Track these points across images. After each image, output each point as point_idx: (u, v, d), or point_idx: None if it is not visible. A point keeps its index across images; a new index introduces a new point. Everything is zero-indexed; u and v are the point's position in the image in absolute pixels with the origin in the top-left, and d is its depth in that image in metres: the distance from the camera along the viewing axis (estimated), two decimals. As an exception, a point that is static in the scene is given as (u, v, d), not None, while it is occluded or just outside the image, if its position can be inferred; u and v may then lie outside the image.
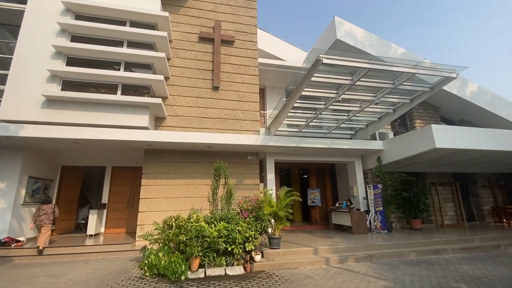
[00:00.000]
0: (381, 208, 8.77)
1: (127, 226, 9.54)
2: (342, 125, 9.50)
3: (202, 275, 5.13)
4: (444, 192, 10.88)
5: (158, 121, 8.65)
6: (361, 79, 6.22)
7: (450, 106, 11.53)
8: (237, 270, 5.32)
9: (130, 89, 8.07)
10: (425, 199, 9.78)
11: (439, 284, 4.52)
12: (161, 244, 5.81)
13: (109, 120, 7.46)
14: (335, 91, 6.96)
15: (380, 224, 8.73)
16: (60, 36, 7.84)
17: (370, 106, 7.80)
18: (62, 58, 7.73)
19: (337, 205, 10.24)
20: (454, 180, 11.27)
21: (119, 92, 7.81)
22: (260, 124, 10.38)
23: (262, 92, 11.86)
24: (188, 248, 5.26)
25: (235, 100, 9.38)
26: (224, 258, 5.45)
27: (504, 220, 10.74)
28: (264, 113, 10.74)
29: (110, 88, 7.92)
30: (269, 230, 6.51)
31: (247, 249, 5.60)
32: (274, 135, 8.71)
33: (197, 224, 5.49)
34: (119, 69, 8.05)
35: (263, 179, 9.74)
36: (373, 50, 10.34)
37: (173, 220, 5.93)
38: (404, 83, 6.64)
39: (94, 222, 8.50)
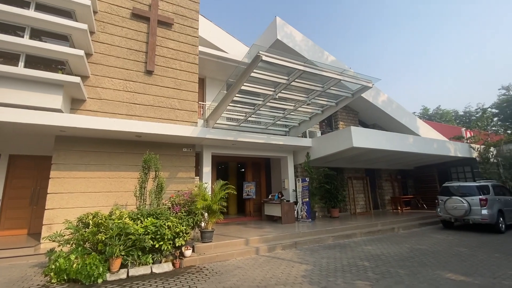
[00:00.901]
0: (307, 199, 9.66)
1: (30, 227, 7.97)
2: (278, 122, 10.00)
3: (124, 276, 4.70)
4: (358, 185, 12.70)
5: (75, 104, 7.44)
6: (296, 80, 6.63)
7: (366, 112, 13.43)
8: (165, 267, 5.07)
9: (40, 62, 6.69)
10: (342, 191, 11.21)
11: (348, 263, 5.26)
12: (74, 245, 5.07)
13: (10, 97, 6.04)
14: (273, 89, 7.25)
15: (305, 213, 9.62)
16: None
17: (302, 106, 8.40)
18: None
19: (270, 197, 10.80)
20: (365, 174, 13.25)
21: (21, 64, 6.38)
22: (199, 115, 10.05)
23: (202, 82, 11.47)
24: (108, 248, 4.73)
25: (171, 87, 8.80)
26: (151, 256, 5.10)
27: (399, 208, 13.23)
28: (203, 104, 10.42)
29: (11, 59, 6.40)
30: (203, 224, 6.42)
31: (177, 245, 5.38)
32: (212, 128, 8.56)
33: (119, 221, 4.97)
34: (23, 36, 6.56)
35: (199, 172, 9.51)
36: (308, 55, 11.13)
37: (91, 217, 5.24)
38: (331, 88, 7.38)
39: (-21, 223, 6.82)
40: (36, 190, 8.18)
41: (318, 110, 9.09)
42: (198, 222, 6.05)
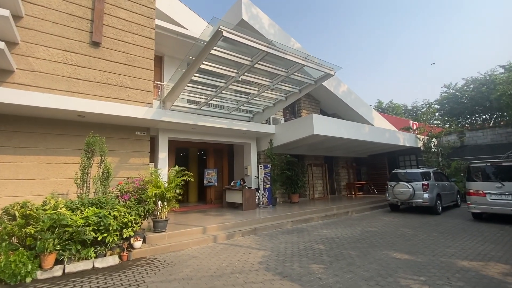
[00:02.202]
0: (269, 185, 9.68)
1: None
2: (242, 107, 9.70)
3: (59, 273, 4.12)
4: (317, 172, 13.17)
5: (0, 75, 6.21)
6: (260, 62, 6.35)
7: (327, 101, 13.80)
8: (110, 260, 4.58)
9: None
10: (303, 177, 11.49)
11: (305, 247, 5.34)
12: (-5, 241, 4.28)
13: None
14: (236, 71, 6.87)
15: (267, 199, 9.65)
16: None
17: (266, 91, 8.20)
18: None
19: (231, 184, 10.60)
20: (324, 161, 13.78)
21: None
22: (155, 96, 9.27)
23: (160, 61, 10.56)
24: (38, 242, 4.08)
25: (122, 63, 7.86)
26: (93, 249, 4.55)
27: (353, 193, 14.11)
28: (160, 84, 9.60)
29: None
30: (157, 213, 5.96)
31: (125, 236, 4.90)
32: (170, 110, 7.93)
33: (53, 212, 4.30)
34: None
35: (154, 158, 8.84)
36: (274, 39, 10.84)
37: (17, 207, 4.46)
38: (295, 73, 7.27)
39: None
40: None
41: (282, 96, 8.98)
42: (150, 211, 5.59)
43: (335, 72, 7.49)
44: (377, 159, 15.72)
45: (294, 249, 5.25)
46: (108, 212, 4.71)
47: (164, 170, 7.88)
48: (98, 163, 6.00)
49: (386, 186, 10.10)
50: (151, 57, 8.45)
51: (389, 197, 9.81)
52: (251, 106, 10.00)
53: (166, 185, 6.07)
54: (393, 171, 10.33)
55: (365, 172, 16.36)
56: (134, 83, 8.02)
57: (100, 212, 4.65)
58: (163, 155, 8.49)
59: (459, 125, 19.57)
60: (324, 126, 8.85)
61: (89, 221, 4.49)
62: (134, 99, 7.90)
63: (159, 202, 5.95)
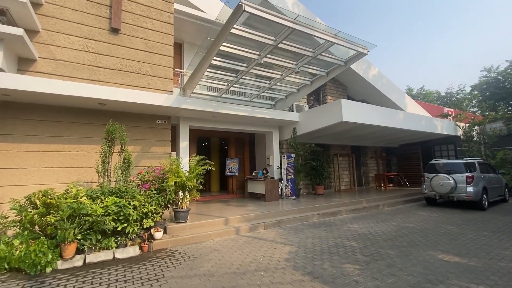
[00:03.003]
0: (292, 176, 9.21)
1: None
2: (263, 94, 9.21)
3: (80, 263, 4.04)
4: (343, 162, 12.43)
5: (23, 64, 6.24)
6: (284, 41, 5.79)
7: (355, 86, 12.84)
8: (131, 251, 4.43)
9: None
10: (328, 168, 10.86)
11: (335, 244, 4.87)
12: (20, 229, 4.29)
13: None
14: (258, 53, 6.37)
15: (290, 190, 9.21)
16: None
17: (290, 75, 7.62)
18: None
19: (253, 174, 10.27)
20: (351, 151, 12.97)
21: None
22: (175, 83, 9.05)
23: (179, 47, 10.29)
24: (59, 231, 4.00)
25: (142, 50, 7.66)
26: (113, 239, 4.43)
27: (382, 185, 13.23)
28: (180, 71, 9.34)
29: None
30: (178, 203, 5.77)
31: (146, 226, 4.73)
32: (190, 97, 7.65)
33: (73, 200, 4.20)
34: None
35: (176, 148, 8.70)
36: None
37: (39, 195, 4.42)
38: (322, 54, 6.61)
39: None
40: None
41: (307, 80, 8.35)
42: (171, 201, 5.39)
43: (368, 51, 6.71)
44: (410, 148, 14.56)
45: (323, 245, 4.80)
46: (127, 202, 4.55)
47: (185, 159, 7.70)
48: (118, 152, 5.88)
49: (422, 178, 9.22)
50: (170, 43, 8.17)
51: (426, 190, 8.93)
52: (273, 92, 9.47)
53: (187, 174, 5.83)
54: (430, 162, 9.37)
55: (396, 163, 15.26)
56: (154, 70, 7.81)
57: (119, 202, 4.50)
58: (184, 144, 8.30)
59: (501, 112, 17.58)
60: (354, 112, 8.12)
61: (109, 211, 4.34)
62: (154, 86, 7.72)
63: (180, 192, 5.74)
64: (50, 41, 6.56)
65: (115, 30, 7.34)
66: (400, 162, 15.10)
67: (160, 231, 4.91)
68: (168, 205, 5.56)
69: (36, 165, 6.28)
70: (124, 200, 4.51)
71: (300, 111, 10.13)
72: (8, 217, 4.40)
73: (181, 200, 5.59)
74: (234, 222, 6.03)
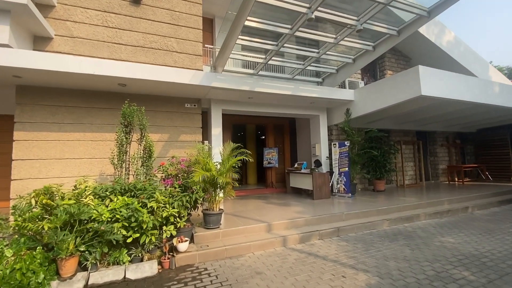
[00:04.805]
0: (347, 168, 7.49)
1: None
2: (309, 69, 7.55)
3: (81, 285, 3.05)
4: (406, 151, 10.20)
5: (39, 43, 5.54)
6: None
7: (422, 57, 10.32)
8: (147, 269, 3.35)
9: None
10: (393, 158, 8.85)
11: (436, 273, 3.21)
12: (18, 235, 3.48)
13: None
14: (307, 4, 4.74)
15: (344, 187, 7.53)
16: None
17: (347, 37, 5.83)
18: None
19: (296, 166, 8.78)
20: (416, 138, 10.62)
21: None
22: (205, 61, 7.87)
23: (210, 24, 9.09)
24: (56, 242, 3.05)
25: (166, 22, 6.58)
26: (125, 251, 3.39)
27: (456, 179, 10.69)
28: (211, 48, 8.12)
29: None
30: (206, 204, 4.60)
31: (166, 236, 3.62)
32: (221, 74, 6.38)
33: (72, 202, 3.22)
34: None
35: (208, 136, 7.58)
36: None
37: (41, 193, 3.55)
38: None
39: None
40: None
41: (369, 45, 6.45)
42: (199, 201, 4.21)
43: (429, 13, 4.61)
44: (493, 133, 11.55)
45: (417, 274, 3.18)
46: (140, 204, 3.44)
47: (216, 148, 6.52)
48: (138, 140, 4.87)
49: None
50: (198, 13, 6.96)
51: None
52: (320, 66, 7.74)
53: (219, 167, 4.59)
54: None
55: (471, 152, 12.35)
56: (181, 45, 6.69)
57: (132, 203, 3.42)
58: (216, 131, 7.12)
59: None
60: (437, 84, 6.03)
61: (117, 215, 3.28)
62: (181, 65, 6.61)
63: (212, 190, 4.52)
64: (67, 16, 5.77)
65: (136, 1, 6.33)
66: (479, 150, 12.13)
67: (186, 240, 3.76)
68: (198, 205, 4.41)
69: (57, 155, 5.63)
70: (136, 202, 3.41)
71: (354, 88, 8.23)
72: (8, 219, 3.64)
73: (211, 200, 4.38)
74: (279, 228, 4.67)
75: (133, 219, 3.29)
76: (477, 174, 11.60)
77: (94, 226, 3.09)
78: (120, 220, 3.31)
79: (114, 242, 3.21)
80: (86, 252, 3.24)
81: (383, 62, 10.11)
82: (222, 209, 4.48)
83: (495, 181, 10.64)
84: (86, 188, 3.73)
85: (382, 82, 7.07)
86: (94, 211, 3.29)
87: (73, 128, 5.82)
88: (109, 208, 3.32)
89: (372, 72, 10.36)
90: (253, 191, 9.17)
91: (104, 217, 3.23)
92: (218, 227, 4.37)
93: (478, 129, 11.92)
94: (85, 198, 3.42)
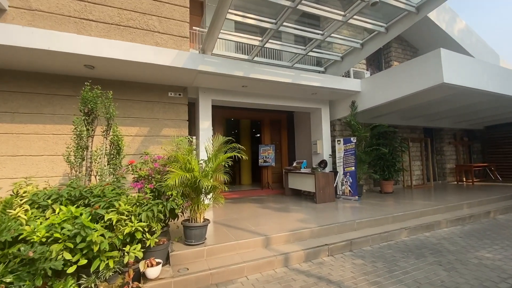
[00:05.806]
0: (353, 168, 6.66)
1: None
2: (310, 54, 6.68)
3: (-2, 336, 2.12)
4: (414, 149, 9.44)
5: (-13, 16, 4.54)
6: None
7: (429, 47, 9.48)
8: (99, 307, 2.43)
9: None
10: (402, 157, 8.06)
11: (492, 309, 2.38)
12: None
13: None
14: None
15: (349, 188, 6.70)
16: None
17: (357, 14, 4.98)
18: None
19: (295, 165, 7.92)
20: (424, 135, 9.87)
21: None
22: (192, 45, 6.94)
23: (200, 7, 8.17)
24: (-36, 273, 2.10)
25: (146, -3, 5.62)
26: (72, 282, 2.46)
27: (465, 179, 10.01)
28: (200, 30, 7.17)
29: None
30: (186, 213, 3.69)
31: (126, 260, 2.69)
32: (211, 56, 5.46)
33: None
34: None
35: (196, 131, 6.66)
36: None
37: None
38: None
39: None
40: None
41: (381, 26, 5.61)
42: (177, 210, 3.30)
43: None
44: (502, 131, 10.90)
45: (469, 312, 2.34)
46: (89, 217, 2.51)
47: (207, 143, 5.60)
48: (104, 132, 3.92)
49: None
50: (184, -12, 6.02)
51: None
52: (323, 51, 6.88)
53: (203, 166, 3.68)
54: None
55: (479, 150, 11.70)
56: (164, 25, 5.73)
57: (79, 217, 2.48)
58: (205, 124, 6.21)
59: None
60: (460, 70, 5.23)
61: (56, 234, 2.34)
62: (164, 46, 5.66)
63: (196, 195, 3.60)
64: (23, -16, 4.77)
65: (110, -31, 5.35)
66: (487, 149, 11.47)
67: (158, 264, 2.85)
68: (179, 214, 3.50)
69: (9, 152, 4.66)
70: (84, 215, 2.47)
71: (360, 78, 7.40)
72: None
73: (194, 208, 3.46)
74: (279, 242, 3.79)
75: (78, 239, 2.36)
76: (485, 173, 10.94)
77: (16, 251, 2.15)
78: (60, 241, 2.37)
79: (50, 273, 2.27)
80: (13, 284, 2.30)
81: (389, 53, 9.32)
82: (207, 220, 3.57)
83: (504, 181, 9.99)
84: (24, 194, 2.79)
85: (395, 69, 6.25)
86: (27, 226, 2.36)
87: (31, 118, 4.85)
88: (45, 224, 2.38)
89: (376, 63, 9.56)
90: (247, 193, 8.28)
91: (37, 236, 2.29)
92: (203, 242, 3.46)
93: (485, 126, 11.26)
94: (16, 209, 2.48)
